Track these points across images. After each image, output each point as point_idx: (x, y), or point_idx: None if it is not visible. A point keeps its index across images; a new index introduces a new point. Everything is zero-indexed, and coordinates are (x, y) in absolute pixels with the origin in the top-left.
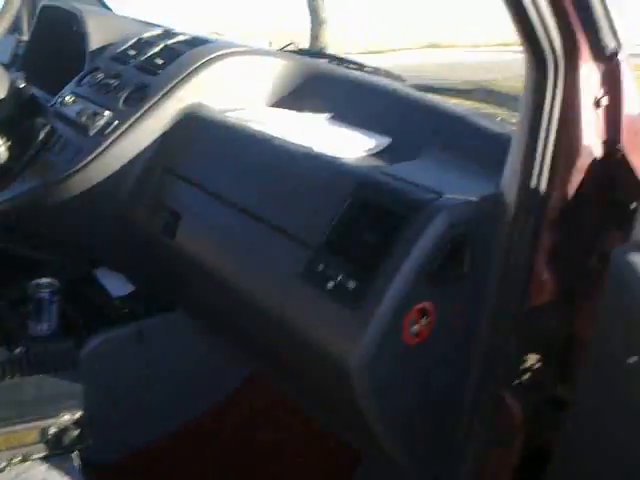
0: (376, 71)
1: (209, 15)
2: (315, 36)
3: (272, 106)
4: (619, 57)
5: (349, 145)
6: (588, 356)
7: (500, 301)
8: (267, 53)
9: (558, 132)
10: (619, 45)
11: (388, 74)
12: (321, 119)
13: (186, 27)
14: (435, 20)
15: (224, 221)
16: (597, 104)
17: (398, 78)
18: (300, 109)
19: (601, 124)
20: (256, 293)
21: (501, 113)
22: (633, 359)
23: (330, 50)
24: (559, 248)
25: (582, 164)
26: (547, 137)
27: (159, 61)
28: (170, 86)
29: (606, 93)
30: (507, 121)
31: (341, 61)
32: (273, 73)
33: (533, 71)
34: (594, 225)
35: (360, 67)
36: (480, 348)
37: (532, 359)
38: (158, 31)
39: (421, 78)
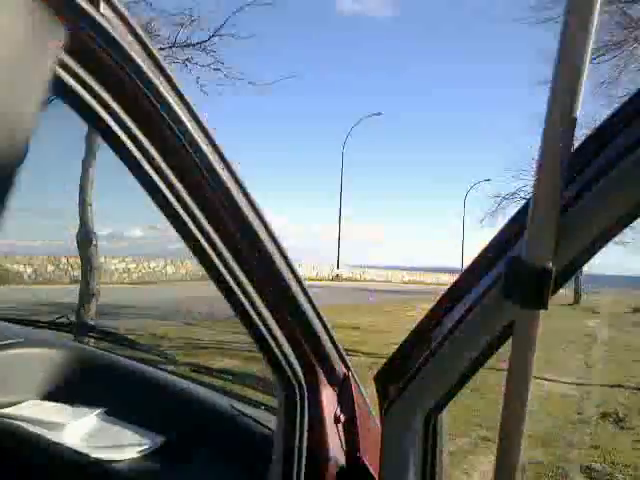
0: (149, 349)
1: None
2: (82, 305)
3: (46, 398)
4: (350, 381)
5: (122, 446)
6: None
7: None
8: (41, 343)
9: (308, 450)
10: (348, 370)
11: (161, 354)
12: (93, 416)
13: None
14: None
15: None
16: (337, 420)
17: (170, 358)
18: (73, 401)
19: (342, 436)
20: None
21: (268, 400)
22: None
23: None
24: None
25: (331, 472)
26: (300, 447)
27: None
28: None
29: (342, 411)
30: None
31: (112, 338)
32: (46, 363)
33: (283, 393)
34: None
35: (131, 345)
36: None
37: None
38: None
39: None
